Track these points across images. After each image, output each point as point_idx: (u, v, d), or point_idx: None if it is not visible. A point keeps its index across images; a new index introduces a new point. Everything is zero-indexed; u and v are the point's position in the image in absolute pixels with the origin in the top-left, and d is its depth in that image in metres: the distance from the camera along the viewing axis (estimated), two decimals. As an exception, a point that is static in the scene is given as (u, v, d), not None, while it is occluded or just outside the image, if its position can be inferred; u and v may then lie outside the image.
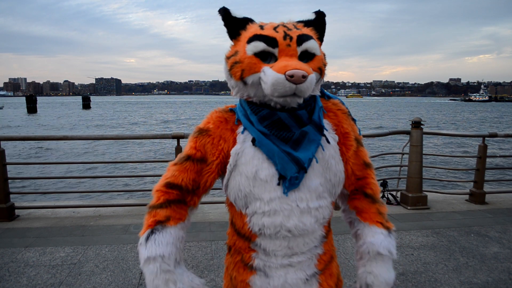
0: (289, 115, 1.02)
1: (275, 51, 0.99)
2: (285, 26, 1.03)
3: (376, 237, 1.12)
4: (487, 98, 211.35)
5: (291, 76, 0.92)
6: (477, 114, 64.55)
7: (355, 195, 1.18)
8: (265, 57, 1.00)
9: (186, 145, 1.12)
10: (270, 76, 0.94)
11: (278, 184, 1.01)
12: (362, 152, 1.17)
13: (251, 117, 1.04)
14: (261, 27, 1.03)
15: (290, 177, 1.00)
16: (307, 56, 1.02)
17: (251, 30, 1.04)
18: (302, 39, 1.01)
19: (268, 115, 1.02)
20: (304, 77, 0.93)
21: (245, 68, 1.00)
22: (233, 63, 1.03)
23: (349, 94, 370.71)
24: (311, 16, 1.14)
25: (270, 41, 0.99)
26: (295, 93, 0.95)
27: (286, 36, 1.00)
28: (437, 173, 10.92)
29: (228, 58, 1.06)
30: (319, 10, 1.14)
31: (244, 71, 1.00)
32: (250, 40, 1.01)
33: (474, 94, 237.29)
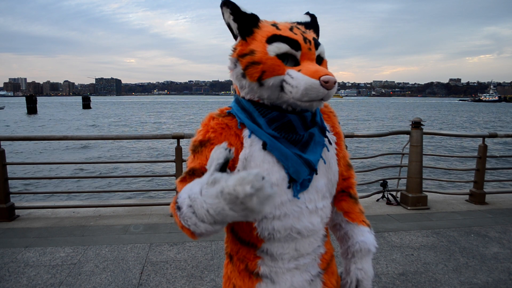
0: (298, 117, 1.02)
1: (298, 54, 0.98)
2: (298, 28, 1.02)
3: (366, 236, 1.17)
4: (496, 98, 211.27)
5: (326, 81, 0.93)
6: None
7: (342, 197, 1.21)
8: (284, 58, 0.98)
9: (188, 161, 1.05)
10: (302, 80, 0.93)
11: (289, 187, 1.00)
12: (346, 153, 1.21)
13: (259, 120, 1.01)
14: (276, 26, 1.01)
15: (302, 180, 1.00)
16: (318, 60, 1.04)
17: (267, 29, 1.00)
18: (317, 43, 1.02)
19: (278, 117, 1.01)
20: (335, 83, 0.95)
21: (267, 69, 0.96)
22: (250, 63, 0.98)
23: None
24: (307, 18, 1.13)
25: (293, 43, 0.97)
26: (323, 98, 0.96)
27: (305, 39, 0.99)
28: (437, 173, 10.91)
29: (241, 56, 1.00)
30: (308, 12, 1.15)
31: (266, 72, 0.97)
32: (271, 40, 0.97)
33: (484, 95, 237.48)
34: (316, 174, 1.03)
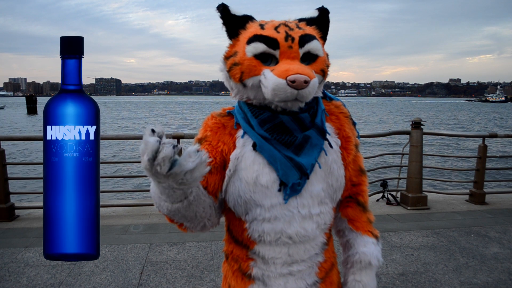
0: (292, 119, 0.98)
1: (276, 53, 0.95)
2: (286, 26, 0.98)
3: (368, 247, 1.11)
4: (503, 98, 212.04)
5: (293, 81, 0.88)
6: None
7: (348, 203, 1.15)
8: (266, 58, 0.95)
9: None
10: (270, 80, 0.90)
11: (279, 190, 0.98)
12: (359, 158, 1.13)
13: (252, 121, 1.00)
14: (262, 26, 0.98)
15: (292, 184, 0.96)
16: (309, 58, 0.98)
17: (251, 29, 0.99)
18: (304, 40, 0.96)
19: (269, 118, 0.98)
20: (306, 82, 0.89)
21: (244, 70, 0.96)
22: (232, 65, 0.99)
23: None
24: (314, 13, 1.07)
25: (270, 42, 0.94)
26: (297, 98, 0.92)
27: (287, 37, 0.95)
28: (437, 173, 10.91)
29: (226, 58, 1.01)
30: (322, 7, 1.08)
31: (244, 73, 0.96)
32: (250, 41, 0.96)
33: (491, 95, 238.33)
34: (308, 178, 0.98)
